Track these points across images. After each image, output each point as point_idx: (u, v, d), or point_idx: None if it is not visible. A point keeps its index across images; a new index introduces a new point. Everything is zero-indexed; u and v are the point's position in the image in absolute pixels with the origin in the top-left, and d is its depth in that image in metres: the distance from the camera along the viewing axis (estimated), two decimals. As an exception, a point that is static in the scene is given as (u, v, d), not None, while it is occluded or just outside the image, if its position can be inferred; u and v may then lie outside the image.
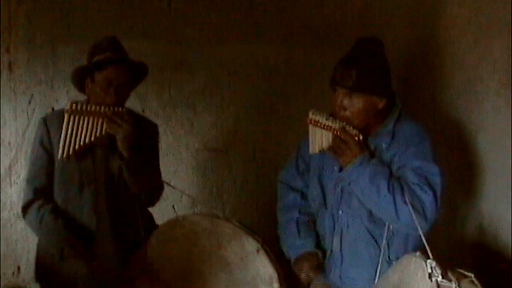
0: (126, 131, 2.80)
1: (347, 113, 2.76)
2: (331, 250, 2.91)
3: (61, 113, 2.97)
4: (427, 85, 3.81)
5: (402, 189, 2.65)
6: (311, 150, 2.83)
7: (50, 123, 2.95)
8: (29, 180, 2.98)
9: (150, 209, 3.20)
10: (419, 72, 3.85)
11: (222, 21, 3.93)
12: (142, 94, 3.84)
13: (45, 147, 2.94)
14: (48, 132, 2.94)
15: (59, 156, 2.82)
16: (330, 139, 2.77)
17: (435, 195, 2.68)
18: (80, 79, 2.92)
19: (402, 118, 2.84)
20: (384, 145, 2.79)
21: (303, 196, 3.10)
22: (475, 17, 3.46)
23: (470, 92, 3.51)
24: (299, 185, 3.11)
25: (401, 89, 3.58)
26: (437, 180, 2.70)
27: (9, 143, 3.77)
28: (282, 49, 3.99)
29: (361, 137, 2.75)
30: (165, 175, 3.24)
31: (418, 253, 2.46)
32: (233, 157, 4.01)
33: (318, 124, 2.79)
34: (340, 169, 2.84)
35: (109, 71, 2.83)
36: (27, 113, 3.76)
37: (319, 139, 2.80)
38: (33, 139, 3.07)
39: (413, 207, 2.60)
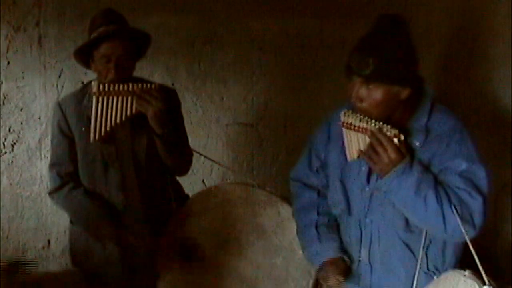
0: (156, 107, 2.73)
1: (364, 104, 2.37)
2: (359, 261, 2.60)
3: (75, 95, 2.96)
4: (462, 59, 3.75)
5: (449, 197, 2.31)
6: (348, 157, 2.47)
7: (66, 107, 2.91)
8: (54, 167, 2.95)
9: (180, 183, 3.18)
10: (453, 46, 3.79)
11: (253, -5, 3.90)
12: (172, 68, 3.84)
13: (64, 131, 2.90)
14: (64, 116, 2.90)
15: (91, 140, 2.77)
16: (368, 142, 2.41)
17: (484, 201, 2.33)
18: (83, 59, 2.85)
19: (436, 110, 2.45)
20: (418, 144, 2.40)
21: (320, 193, 2.75)
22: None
23: (505, 65, 3.44)
24: (314, 182, 2.76)
25: (434, 64, 3.51)
26: (484, 184, 2.35)
27: (39, 117, 3.79)
28: (313, 23, 3.94)
29: (402, 137, 2.35)
30: (195, 149, 3.20)
31: (467, 273, 2.18)
32: (264, 131, 3.99)
33: (352, 127, 2.41)
34: (369, 171, 2.50)
35: (105, 47, 2.73)
36: (57, 87, 3.77)
37: (355, 144, 2.42)
38: (51, 125, 3.04)
39: (461, 215, 2.29)
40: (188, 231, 2.90)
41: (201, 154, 3.26)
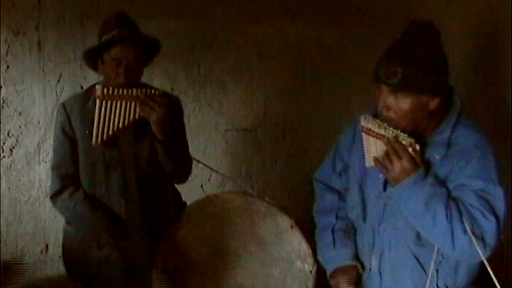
0: (160, 113, 2.73)
1: (392, 114, 2.31)
2: (370, 269, 2.57)
3: (80, 97, 2.96)
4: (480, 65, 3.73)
5: (460, 214, 2.23)
6: (367, 163, 2.43)
7: (70, 109, 2.90)
8: (55, 168, 2.94)
9: (178, 189, 3.17)
10: (469, 52, 3.78)
11: (253, 0, 3.89)
12: (171, 73, 3.83)
13: (67, 133, 2.90)
14: (68, 117, 2.89)
15: (93, 143, 2.77)
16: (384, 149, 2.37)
17: (497, 222, 2.25)
18: (92, 61, 2.85)
19: (461, 123, 2.37)
20: (438, 157, 2.34)
21: (341, 197, 2.74)
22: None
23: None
24: (337, 185, 2.75)
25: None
26: (501, 205, 2.26)
27: (38, 122, 3.77)
28: (313, 29, 3.94)
29: (417, 147, 2.30)
30: (194, 155, 3.19)
31: None
32: (263, 137, 3.99)
33: (370, 132, 2.37)
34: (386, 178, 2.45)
35: (116, 50, 2.73)
36: (56, 91, 3.75)
37: (373, 149, 2.38)
38: (54, 126, 3.02)
39: (472, 234, 2.22)
40: (186, 239, 2.89)
41: (199, 162, 3.25)
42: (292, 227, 2.79)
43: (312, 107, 3.96)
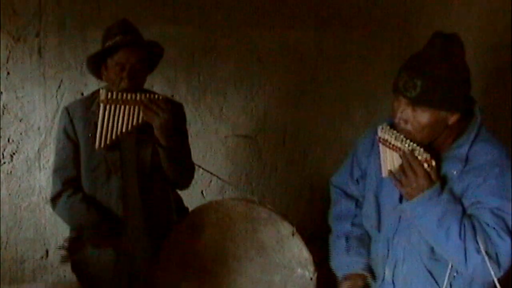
0: (163, 118, 2.73)
1: (408, 126, 2.26)
2: (383, 279, 2.52)
3: (83, 101, 2.97)
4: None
5: (475, 233, 2.18)
6: (383, 173, 2.36)
7: (73, 113, 2.92)
8: (57, 171, 2.95)
9: (180, 195, 3.18)
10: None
11: (253, 6, 3.90)
12: (171, 79, 3.84)
13: (70, 137, 2.91)
14: (71, 121, 2.90)
15: (96, 147, 2.77)
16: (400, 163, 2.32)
17: None
18: (95, 67, 2.87)
19: (481, 138, 2.30)
20: (455, 173, 2.28)
21: (358, 204, 2.68)
22: None
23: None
24: (354, 191, 2.69)
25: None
26: None
27: (38, 128, 3.77)
28: (313, 35, 3.95)
29: (433, 163, 2.24)
30: (194, 161, 3.19)
31: None
32: (263, 143, 3.99)
33: (387, 144, 2.31)
34: None
35: (120, 55, 2.75)
36: (57, 98, 3.76)
37: (389, 161, 2.33)
38: (57, 130, 3.03)
39: (486, 253, 2.16)
40: (188, 244, 2.90)
41: (200, 167, 3.26)
42: (293, 234, 2.81)
43: (312, 113, 3.97)
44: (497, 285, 2.16)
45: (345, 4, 3.95)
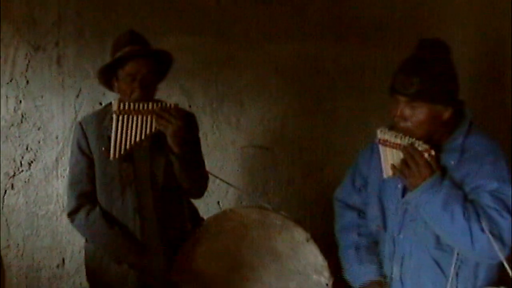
0: (176, 126, 2.75)
1: (408, 123, 2.45)
2: (391, 278, 2.64)
3: (96, 115, 2.99)
4: (493, 88, 3.72)
5: (478, 215, 2.33)
6: (385, 174, 2.54)
7: (87, 126, 2.94)
8: (71, 185, 2.97)
9: (195, 205, 3.18)
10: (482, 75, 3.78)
11: (270, 18, 3.90)
12: (188, 90, 3.85)
13: (84, 151, 2.92)
14: (85, 135, 2.92)
15: (111, 157, 2.78)
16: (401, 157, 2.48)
17: None
18: (107, 79, 2.89)
19: (473, 131, 2.51)
20: (453, 162, 2.46)
21: (361, 215, 2.82)
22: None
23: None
24: (357, 202, 2.84)
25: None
26: None
27: (57, 137, 3.80)
28: (330, 47, 3.94)
29: (433, 153, 2.43)
30: (211, 171, 3.20)
31: None
32: (279, 155, 3.97)
33: (387, 143, 2.50)
34: (404, 188, 2.56)
35: (130, 66, 2.77)
36: (75, 107, 3.79)
37: (390, 159, 2.50)
38: (71, 144, 3.05)
39: (490, 234, 2.30)
40: (203, 253, 2.90)
41: (216, 177, 3.26)
42: (307, 240, 2.81)
43: (329, 124, 3.95)
44: (505, 264, 2.29)
45: (362, 17, 3.95)
